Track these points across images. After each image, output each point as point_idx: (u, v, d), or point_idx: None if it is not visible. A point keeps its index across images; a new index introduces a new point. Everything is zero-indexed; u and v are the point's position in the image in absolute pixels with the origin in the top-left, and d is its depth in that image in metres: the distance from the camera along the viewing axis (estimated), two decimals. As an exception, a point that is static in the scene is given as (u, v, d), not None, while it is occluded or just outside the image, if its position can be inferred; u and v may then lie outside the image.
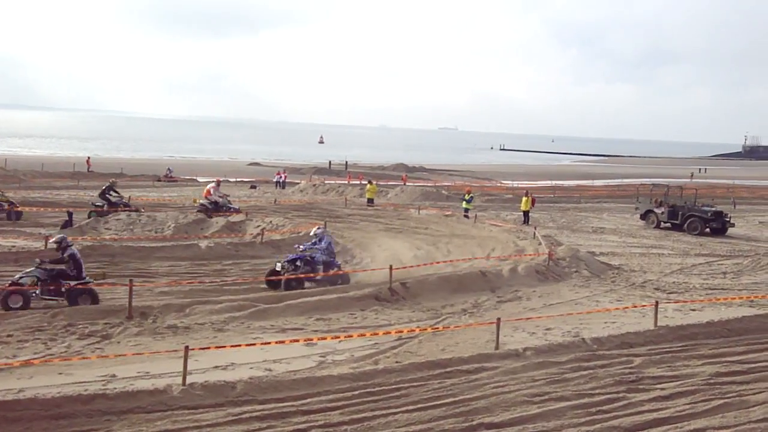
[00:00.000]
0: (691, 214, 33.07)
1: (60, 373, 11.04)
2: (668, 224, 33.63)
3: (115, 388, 10.07)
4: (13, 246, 21.58)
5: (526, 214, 33.68)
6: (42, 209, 29.81)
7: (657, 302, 15.32)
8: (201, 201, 31.54)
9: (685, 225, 32.80)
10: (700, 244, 29.09)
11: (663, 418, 9.90)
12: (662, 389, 10.98)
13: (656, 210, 34.32)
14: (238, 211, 30.30)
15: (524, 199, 34.08)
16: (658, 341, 13.63)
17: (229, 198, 32.27)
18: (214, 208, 30.25)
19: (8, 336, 12.88)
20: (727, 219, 33.05)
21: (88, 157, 62.84)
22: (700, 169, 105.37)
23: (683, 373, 11.79)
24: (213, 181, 33.04)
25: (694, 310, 17.08)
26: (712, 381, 11.46)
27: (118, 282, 17.02)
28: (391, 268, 18.03)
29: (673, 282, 20.87)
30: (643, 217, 35.01)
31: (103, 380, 10.78)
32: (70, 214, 26.60)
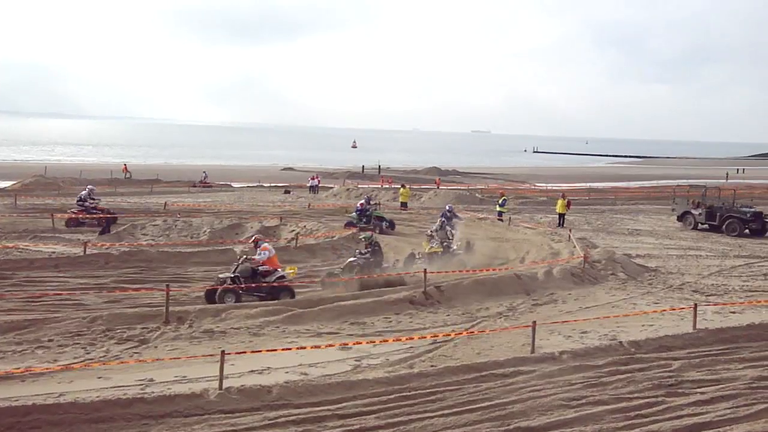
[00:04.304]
0: (729, 215, 32.53)
1: (99, 377, 11.20)
2: (706, 226, 33.14)
3: (153, 392, 10.18)
4: (53, 252, 21.94)
5: (561, 216, 33.43)
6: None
7: (696, 305, 15.10)
8: (350, 214, 30.71)
9: (724, 226, 32.28)
10: (739, 246, 28.59)
11: (703, 423, 9.76)
12: (702, 393, 10.82)
13: (693, 211, 33.83)
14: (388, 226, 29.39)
15: (560, 201, 33.83)
16: (697, 344, 13.43)
17: (378, 205, 31.10)
18: (366, 221, 29.19)
19: (49, 341, 13.09)
20: (767, 220, 32.44)
21: (125, 164, 63.67)
22: (738, 169, 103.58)
23: (724, 377, 11.61)
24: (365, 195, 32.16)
25: (734, 312, 16.81)
26: (754, 385, 11.25)
27: (155, 287, 17.22)
28: (425, 271, 18.01)
29: (712, 284, 20.54)
30: (680, 218, 34.55)
31: (141, 384, 10.91)
32: (107, 221, 26.98)
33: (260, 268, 17.20)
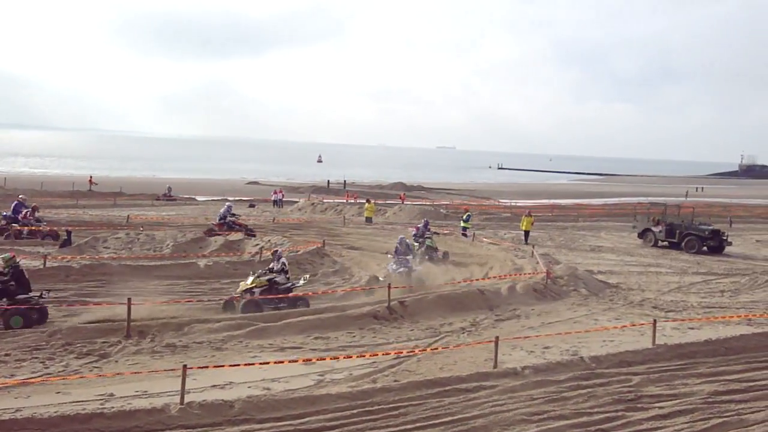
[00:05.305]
0: (688, 232, 33.14)
1: (58, 392, 11.04)
2: (666, 243, 33.70)
3: (113, 407, 10.06)
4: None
5: (526, 233, 33.73)
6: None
7: (655, 321, 15.34)
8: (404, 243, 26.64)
9: (683, 243, 32.86)
10: (697, 263, 29.12)
11: (662, 437, 9.91)
12: (661, 408, 11.00)
13: (654, 228, 34.40)
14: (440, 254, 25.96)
15: (526, 218, 34.12)
16: (656, 360, 13.64)
17: (432, 235, 27.22)
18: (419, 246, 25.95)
19: (6, 355, 12.88)
20: (725, 237, 33.11)
21: (90, 176, 62.67)
22: (696, 188, 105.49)
23: (682, 392, 11.81)
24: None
25: (692, 328, 17.10)
26: (710, 400, 11.48)
27: (116, 301, 17.01)
28: (389, 286, 18.05)
29: (671, 300, 20.88)
30: (641, 235, 35.08)
31: (101, 399, 10.77)
32: (69, 233, 26.61)
33: None
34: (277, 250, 19.87)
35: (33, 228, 27.42)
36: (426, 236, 26.45)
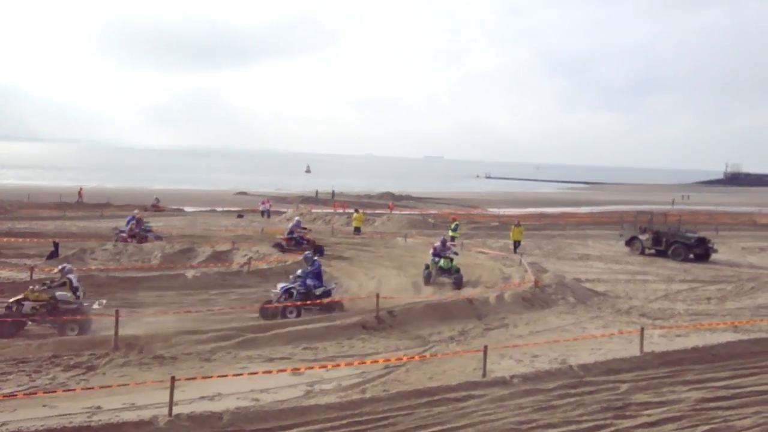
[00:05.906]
0: (675, 240, 33.34)
1: (44, 406, 10.95)
2: (652, 250, 33.87)
3: (101, 420, 10.01)
4: (-2, 277, 21.46)
5: (516, 243, 33.82)
6: (28, 240, 29.65)
7: (642, 328, 15.39)
8: (428, 260, 24.69)
9: (669, 251, 33.05)
10: (684, 270, 29.26)
11: (649, 444, 9.94)
12: (649, 415, 11.03)
13: (641, 236, 34.58)
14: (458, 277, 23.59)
15: (515, 228, 34.19)
16: (644, 367, 13.68)
17: (454, 250, 25.61)
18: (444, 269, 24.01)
19: (-8, 368, 12.79)
20: (710, 245, 33.30)
21: (81, 188, 62.34)
22: (683, 195, 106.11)
23: (669, 399, 11.85)
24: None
25: (679, 336, 17.16)
26: (698, 407, 11.51)
27: (104, 312, 16.92)
28: (378, 296, 18.06)
29: (658, 308, 20.96)
30: (628, 243, 35.26)
31: (88, 412, 10.71)
32: (56, 245, 26.50)
33: None
34: (64, 267, 17.20)
35: (140, 237, 30.08)
36: (444, 256, 24.04)
